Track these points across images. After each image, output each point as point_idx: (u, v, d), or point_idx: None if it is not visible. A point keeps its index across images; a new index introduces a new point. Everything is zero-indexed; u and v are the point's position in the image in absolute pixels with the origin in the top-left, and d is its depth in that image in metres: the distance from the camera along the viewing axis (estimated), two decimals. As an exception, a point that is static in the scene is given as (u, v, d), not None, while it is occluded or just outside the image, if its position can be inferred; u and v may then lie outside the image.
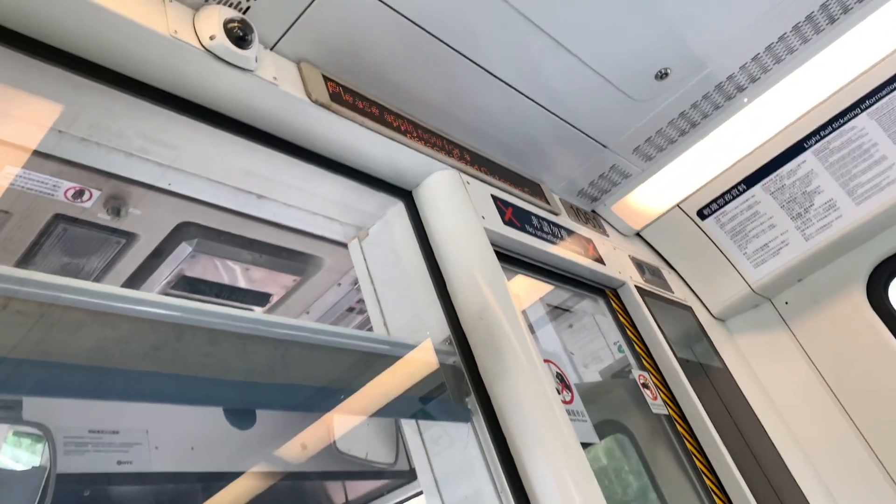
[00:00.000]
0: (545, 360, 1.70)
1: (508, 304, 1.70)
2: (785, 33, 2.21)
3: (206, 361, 1.22)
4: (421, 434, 1.71)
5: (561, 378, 1.78)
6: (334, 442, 2.66)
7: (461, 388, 1.62)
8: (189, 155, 1.57)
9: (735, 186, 2.66)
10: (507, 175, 2.23)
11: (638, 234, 2.88)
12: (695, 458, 2.10)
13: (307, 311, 2.71)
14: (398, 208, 1.91)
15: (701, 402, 2.19)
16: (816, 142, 2.51)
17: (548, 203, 2.33)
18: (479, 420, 1.57)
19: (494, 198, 2.05)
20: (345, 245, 2.03)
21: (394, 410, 1.70)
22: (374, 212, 1.93)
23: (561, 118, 2.20)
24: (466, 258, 1.77)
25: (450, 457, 1.64)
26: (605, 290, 2.43)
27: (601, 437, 2.15)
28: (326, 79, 1.68)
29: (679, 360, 2.28)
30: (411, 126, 1.89)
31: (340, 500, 3.04)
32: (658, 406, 2.15)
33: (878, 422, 2.47)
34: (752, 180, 2.63)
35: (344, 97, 1.68)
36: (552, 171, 2.46)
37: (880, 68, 2.38)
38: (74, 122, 1.38)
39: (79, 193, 1.84)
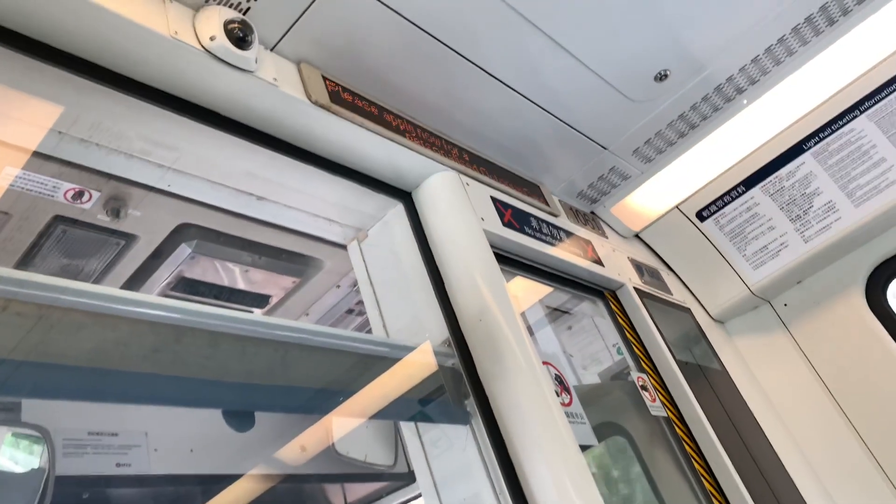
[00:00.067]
0: (544, 363, 1.70)
1: (507, 306, 1.70)
2: (784, 35, 2.21)
3: (206, 363, 1.22)
4: (420, 436, 1.70)
5: (560, 380, 1.78)
6: (333, 444, 2.65)
7: (460, 390, 1.62)
8: (189, 156, 1.57)
9: (734, 188, 2.66)
10: (506, 176, 2.22)
11: (637, 236, 2.88)
12: (693, 461, 2.10)
13: (306, 312, 2.71)
14: (397, 210, 1.91)
15: (700, 404, 2.19)
16: (815, 144, 2.51)
17: (547, 204, 2.33)
18: (478, 422, 1.57)
19: (494, 199, 2.05)
20: (344, 247, 2.03)
21: (393, 412, 1.70)
22: (373, 213, 1.93)
23: (560, 119, 2.20)
24: (466, 260, 1.77)
25: (449, 459, 1.63)
26: (603, 292, 2.43)
27: (600, 439, 2.14)
28: (326, 80, 1.68)
29: (678, 362, 2.28)
30: (411, 127, 1.89)
31: (339, 503, 3.03)
32: (657, 408, 2.15)
33: (877, 424, 2.47)
34: (751, 182, 2.63)
35: (344, 98, 1.68)
36: (551, 172, 2.46)
37: (879, 70, 2.38)
38: (75, 123, 1.38)
39: (78, 195, 1.83)
